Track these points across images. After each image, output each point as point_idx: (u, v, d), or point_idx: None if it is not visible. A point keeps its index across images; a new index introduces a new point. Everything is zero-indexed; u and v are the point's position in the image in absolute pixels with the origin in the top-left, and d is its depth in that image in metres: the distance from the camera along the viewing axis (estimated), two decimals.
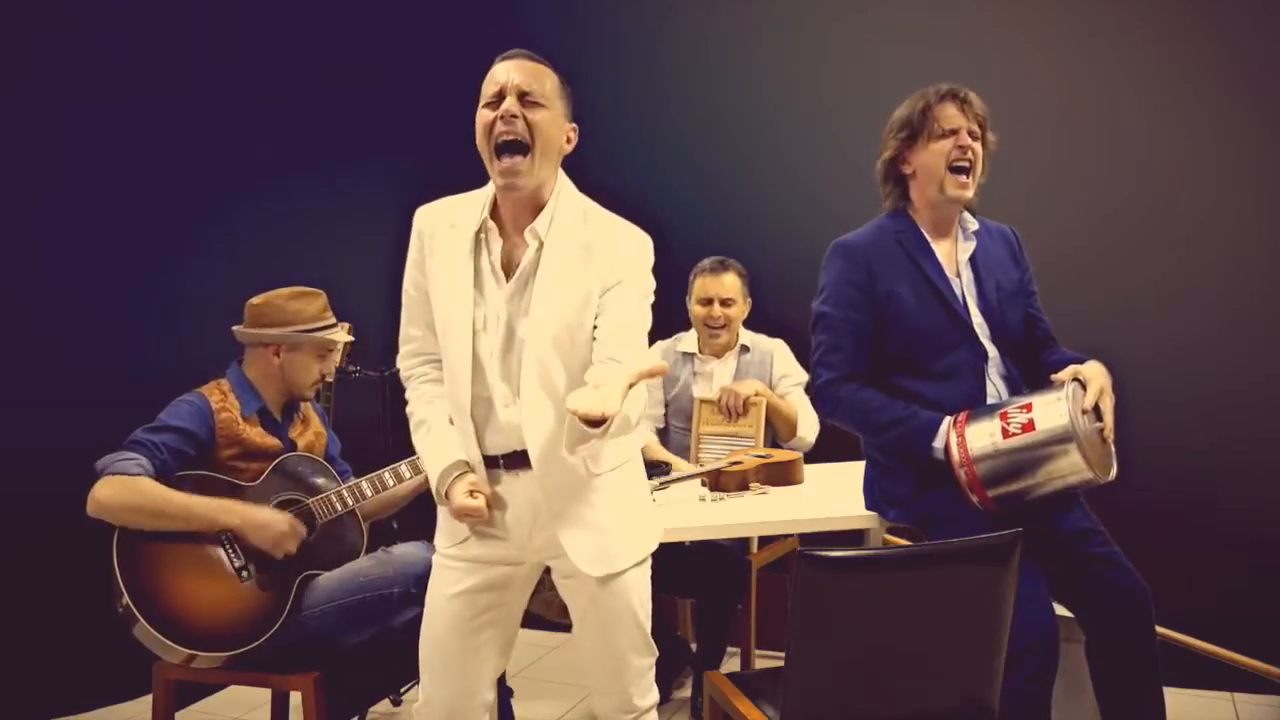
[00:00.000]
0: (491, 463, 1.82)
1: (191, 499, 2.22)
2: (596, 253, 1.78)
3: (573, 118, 1.83)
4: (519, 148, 1.72)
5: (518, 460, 1.80)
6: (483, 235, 1.80)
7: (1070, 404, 2.01)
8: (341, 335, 2.51)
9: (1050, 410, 2.03)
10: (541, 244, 1.77)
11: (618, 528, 1.83)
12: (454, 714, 1.86)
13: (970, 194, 2.21)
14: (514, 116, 1.72)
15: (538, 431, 1.76)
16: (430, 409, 1.89)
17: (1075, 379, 2.09)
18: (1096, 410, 2.07)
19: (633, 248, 1.82)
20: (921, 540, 2.20)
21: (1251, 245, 3.10)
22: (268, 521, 2.26)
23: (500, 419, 1.79)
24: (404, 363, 1.94)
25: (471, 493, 1.78)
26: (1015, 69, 3.27)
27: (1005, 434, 2.04)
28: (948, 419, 2.14)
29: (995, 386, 2.21)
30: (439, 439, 1.86)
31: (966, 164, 2.19)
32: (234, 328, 2.45)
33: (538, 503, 1.80)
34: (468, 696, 1.86)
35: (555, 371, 1.76)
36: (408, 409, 1.93)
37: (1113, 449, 2.10)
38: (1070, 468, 2.02)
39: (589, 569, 1.79)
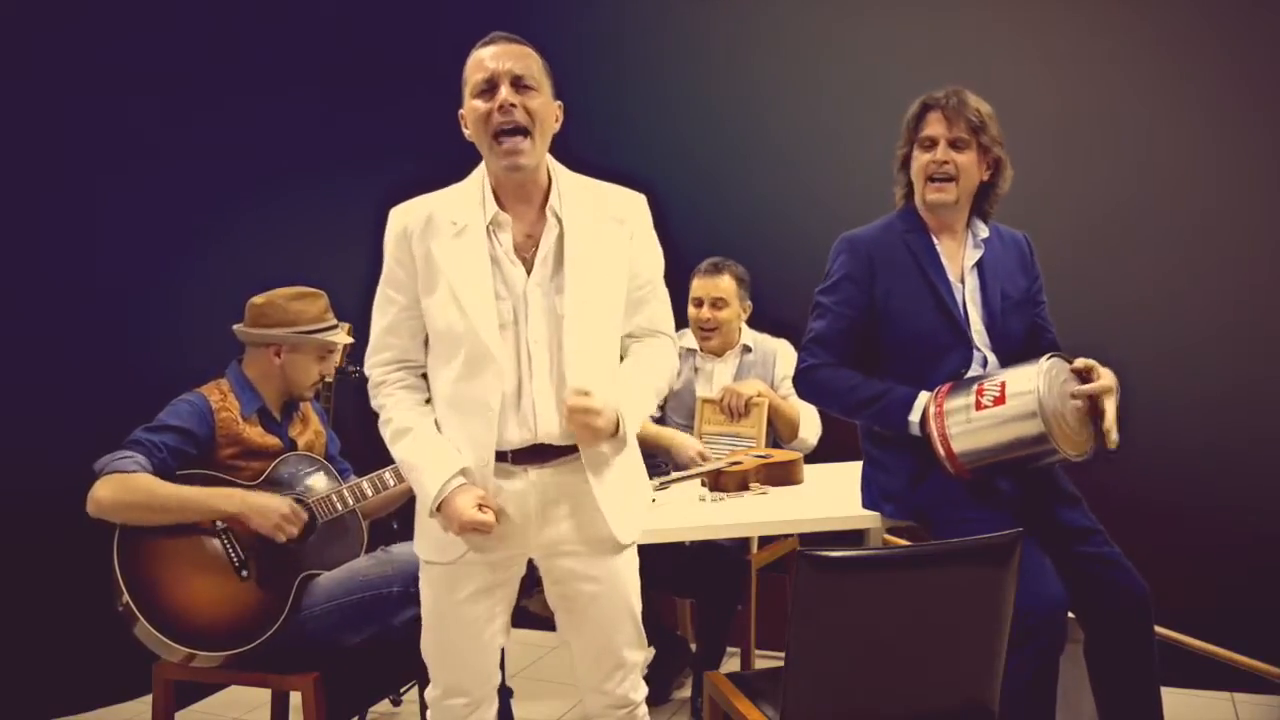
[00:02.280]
0: (499, 458, 1.78)
1: (188, 489, 2.22)
2: (627, 224, 1.83)
3: (556, 95, 1.82)
4: (520, 130, 1.72)
5: (529, 456, 1.78)
6: (492, 227, 1.77)
7: (1041, 379, 2.02)
8: (342, 337, 2.51)
9: (1021, 386, 2.04)
10: (560, 221, 1.78)
11: (634, 499, 1.89)
12: (474, 702, 1.87)
13: (948, 198, 2.22)
14: (512, 105, 1.71)
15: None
16: (413, 416, 1.81)
17: (1056, 356, 2.10)
18: (1083, 386, 2.09)
19: (647, 214, 1.89)
20: (922, 540, 2.21)
21: (1251, 245, 3.10)
22: (267, 505, 2.25)
23: (526, 410, 1.76)
24: (378, 369, 1.85)
25: (480, 506, 1.72)
26: (1015, 69, 3.26)
27: (978, 406, 2.07)
28: (925, 393, 2.16)
29: None
30: (430, 447, 1.78)
31: (943, 174, 2.22)
32: (235, 326, 2.45)
33: (547, 498, 1.79)
34: (484, 682, 1.88)
35: (600, 347, 1.79)
36: (383, 416, 1.84)
37: (1092, 431, 2.11)
38: (1038, 442, 2.03)
39: (624, 537, 1.83)
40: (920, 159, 2.24)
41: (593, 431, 1.73)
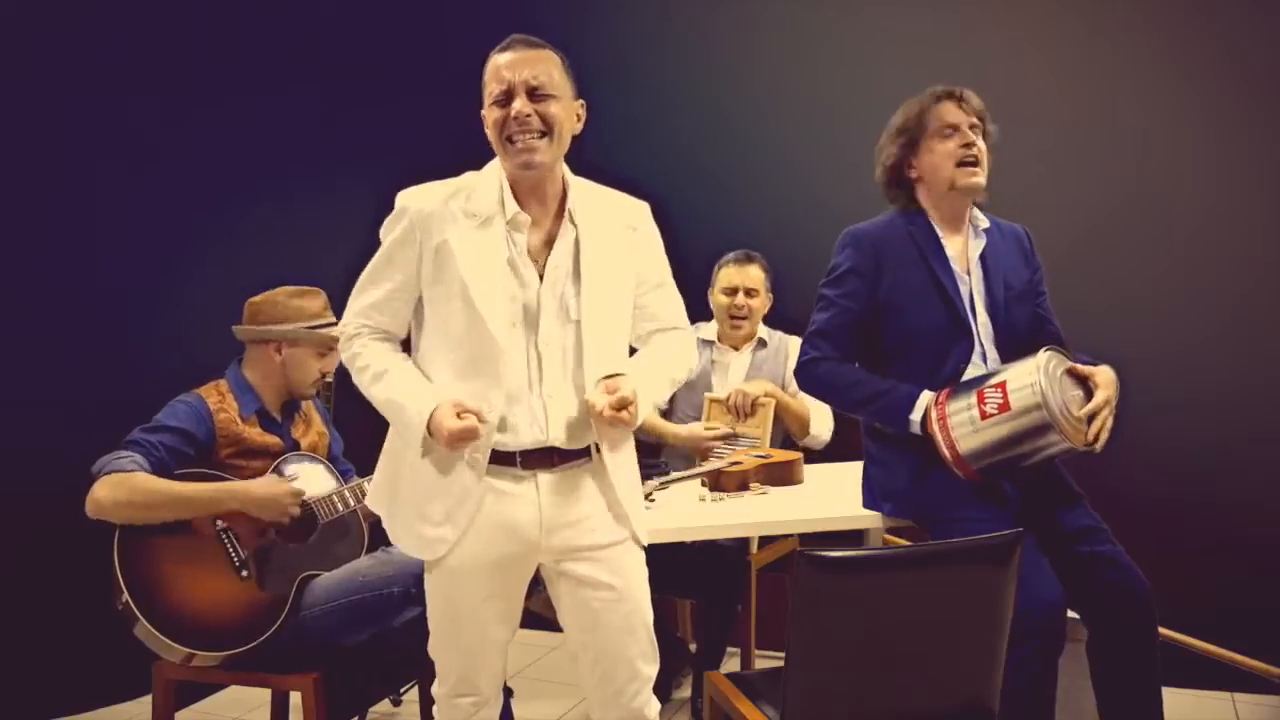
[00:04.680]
0: (507, 460, 1.76)
1: (188, 486, 2.21)
2: (638, 232, 1.85)
3: (577, 94, 1.82)
4: (535, 135, 1.72)
5: (539, 459, 1.77)
6: (510, 226, 1.76)
7: (1041, 374, 2.03)
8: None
9: (1022, 382, 2.05)
10: (576, 226, 1.78)
11: (640, 500, 1.92)
12: (482, 700, 1.88)
13: (982, 181, 2.23)
14: (528, 116, 1.71)
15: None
16: (391, 359, 1.79)
17: (1051, 349, 2.10)
18: (1080, 378, 2.09)
19: (653, 220, 1.91)
20: (922, 540, 2.20)
21: (1251, 245, 3.10)
22: (266, 496, 2.25)
23: (536, 411, 1.75)
24: (354, 320, 1.82)
25: (459, 414, 1.67)
26: (1015, 69, 3.27)
27: (983, 415, 2.07)
28: (927, 393, 2.16)
29: None
30: (410, 381, 1.75)
31: (973, 157, 2.22)
32: (234, 327, 2.45)
33: (557, 502, 1.78)
34: (492, 680, 1.88)
35: (615, 353, 1.80)
36: (358, 363, 1.80)
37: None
38: (1046, 440, 2.04)
39: (645, 538, 1.86)
40: (944, 147, 2.23)
41: (626, 422, 1.71)
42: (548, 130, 1.72)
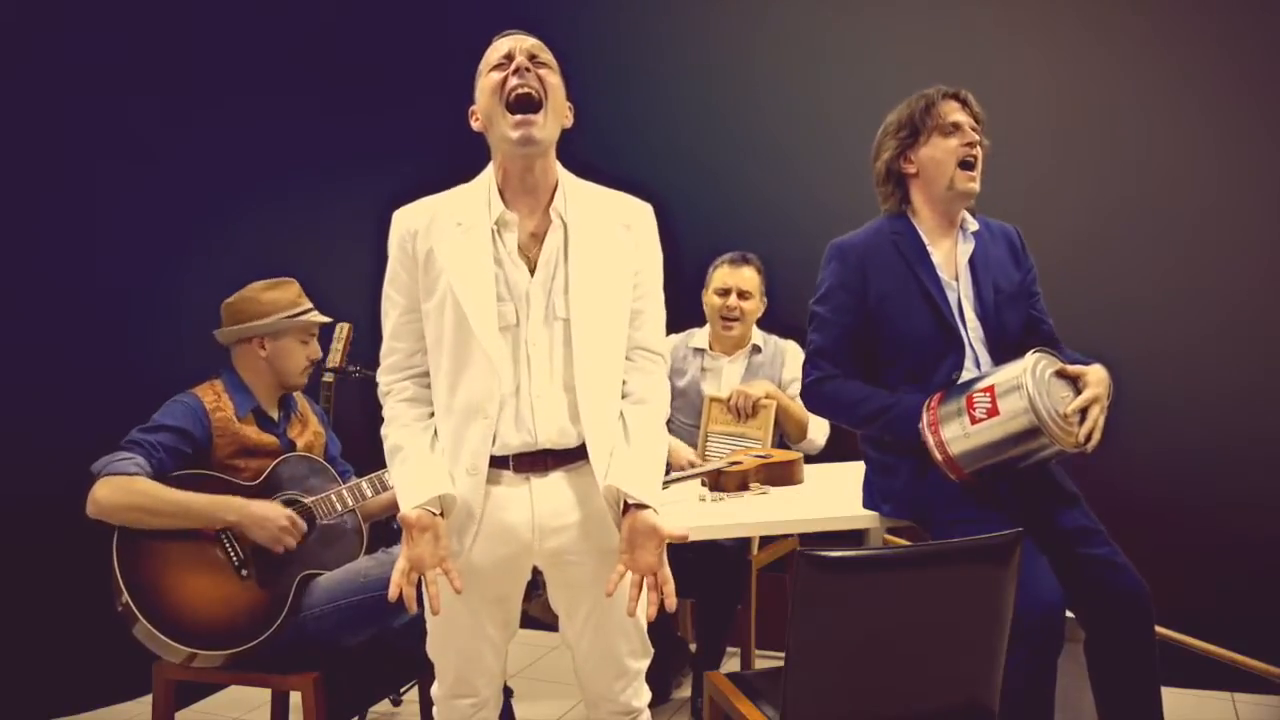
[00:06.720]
0: (500, 464, 1.75)
1: (189, 496, 2.22)
2: (633, 231, 1.80)
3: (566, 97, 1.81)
4: (532, 105, 1.70)
5: (530, 462, 1.75)
6: (497, 227, 1.74)
7: (1029, 377, 2.02)
8: (321, 317, 2.51)
9: (1009, 392, 2.04)
10: (565, 223, 1.75)
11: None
12: (480, 701, 1.87)
13: (977, 187, 2.23)
14: (527, 70, 1.71)
15: (596, 415, 1.73)
16: (405, 434, 1.76)
17: (1040, 351, 2.09)
18: (1070, 379, 2.09)
19: (654, 223, 1.86)
20: (921, 540, 2.21)
21: (1251, 245, 3.10)
22: (266, 516, 2.25)
23: (524, 414, 1.73)
24: (383, 377, 1.82)
25: (410, 573, 1.66)
26: (1015, 69, 3.27)
27: (973, 420, 2.07)
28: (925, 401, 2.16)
29: None
30: (411, 470, 1.73)
31: (973, 158, 2.22)
32: (215, 331, 2.45)
33: (551, 505, 1.76)
34: (491, 682, 1.87)
35: (608, 350, 1.76)
36: (383, 429, 1.80)
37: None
38: (1037, 443, 2.04)
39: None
40: (946, 143, 2.22)
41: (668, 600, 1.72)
42: (544, 98, 1.71)
